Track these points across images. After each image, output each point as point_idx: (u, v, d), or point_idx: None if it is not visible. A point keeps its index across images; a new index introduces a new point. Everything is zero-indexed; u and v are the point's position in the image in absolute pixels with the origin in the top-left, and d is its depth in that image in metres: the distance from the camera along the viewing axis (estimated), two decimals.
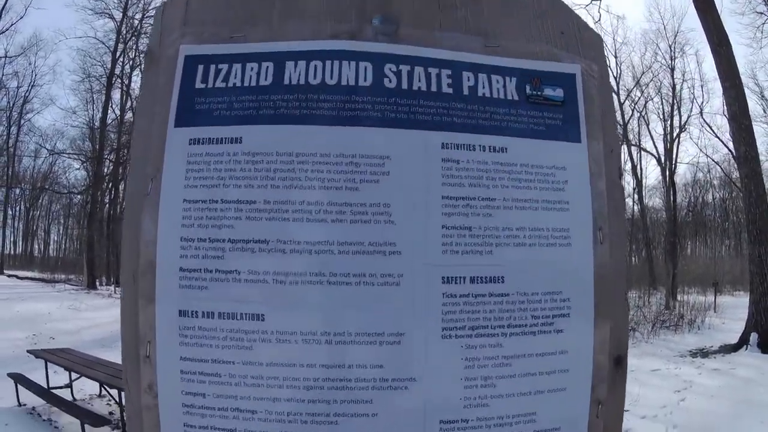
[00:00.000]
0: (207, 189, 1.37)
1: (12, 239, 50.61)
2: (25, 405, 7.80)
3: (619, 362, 1.48)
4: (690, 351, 13.43)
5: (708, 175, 43.94)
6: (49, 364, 8.15)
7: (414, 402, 1.34)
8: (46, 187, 44.23)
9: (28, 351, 9.14)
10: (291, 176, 1.36)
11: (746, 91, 15.02)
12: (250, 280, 1.34)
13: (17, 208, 49.81)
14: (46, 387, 7.83)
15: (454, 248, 1.38)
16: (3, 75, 37.79)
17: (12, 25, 35.27)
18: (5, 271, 36.02)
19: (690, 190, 46.34)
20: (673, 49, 34.56)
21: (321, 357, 1.33)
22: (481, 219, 1.40)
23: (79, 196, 41.80)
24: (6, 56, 37.31)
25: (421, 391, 1.34)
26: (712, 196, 47.45)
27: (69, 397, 7.72)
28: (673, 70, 34.40)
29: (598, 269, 1.46)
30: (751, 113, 14.61)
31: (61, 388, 7.81)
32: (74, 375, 7.68)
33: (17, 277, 32.96)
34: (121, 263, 1.47)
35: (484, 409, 1.36)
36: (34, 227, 52.16)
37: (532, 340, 1.40)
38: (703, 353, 13.13)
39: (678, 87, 34.57)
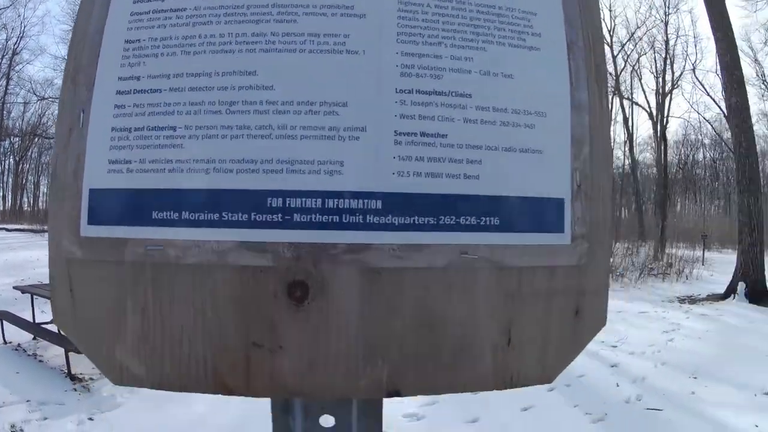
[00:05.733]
0: None
1: (1, 194, 50.24)
2: (10, 343, 7.85)
3: None
4: (678, 297, 13.61)
5: (699, 134, 44.04)
6: (35, 302, 8.23)
7: None
8: (38, 133, 43.64)
9: (14, 287, 9.25)
10: None
11: (740, 54, 14.91)
12: None
13: (7, 162, 49.37)
14: (32, 322, 7.89)
15: None
16: None
17: None
18: None
19: (681, 147, 46.46)
20: (667, 4, 34.28)
21: None
22: None
23: None
24: None
25: None
26: (703, 155, 47.51)
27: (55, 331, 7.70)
28: (666, 24, 34.20)
29: None
30: (744, 76, 14.43)
31: (47, 323, 7.80)
32: None
33: (6, 229, 32.60)
34: None
35: None
36: (23, 181, 51.55)
37: None
38: (691, 300, 13.31)
39: (672, 42, 34.38)
